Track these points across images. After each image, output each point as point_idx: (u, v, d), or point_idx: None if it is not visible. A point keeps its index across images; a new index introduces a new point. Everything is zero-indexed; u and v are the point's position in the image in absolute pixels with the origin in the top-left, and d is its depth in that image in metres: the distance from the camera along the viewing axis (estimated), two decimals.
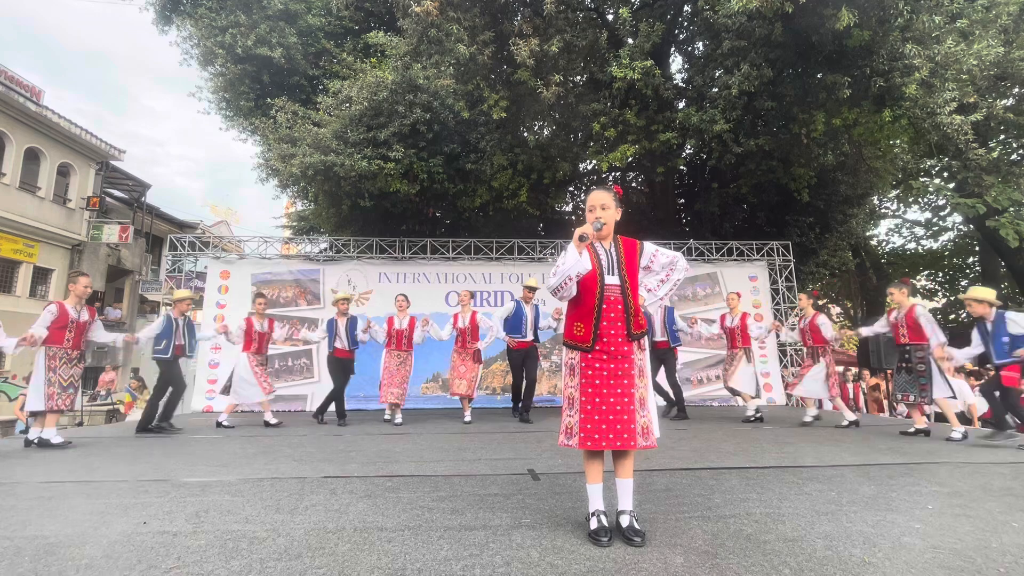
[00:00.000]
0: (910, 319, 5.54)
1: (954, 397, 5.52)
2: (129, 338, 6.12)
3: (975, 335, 5.16)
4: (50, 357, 5.09)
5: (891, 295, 5.76)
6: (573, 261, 2.20)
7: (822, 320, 6.44)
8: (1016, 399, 4.98)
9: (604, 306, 2.27)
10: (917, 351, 5.53)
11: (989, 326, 5.02)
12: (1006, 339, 4.89)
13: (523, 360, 6.85)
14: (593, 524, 2.19)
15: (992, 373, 5.46)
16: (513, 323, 6.85)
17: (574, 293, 2.29)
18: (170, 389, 6.16)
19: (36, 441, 4.96)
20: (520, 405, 6.92)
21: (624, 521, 2.19)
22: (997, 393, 5.08)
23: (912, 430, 5.44)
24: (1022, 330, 4.81)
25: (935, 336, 5.40)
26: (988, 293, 5.12)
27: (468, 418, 6.71)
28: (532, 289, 7.01)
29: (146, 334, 6.12)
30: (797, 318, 6.71)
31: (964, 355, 5.30)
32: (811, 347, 6.50)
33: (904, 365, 5.66)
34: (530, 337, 6.87)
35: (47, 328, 5.04)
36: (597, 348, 2.26)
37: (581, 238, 2.20)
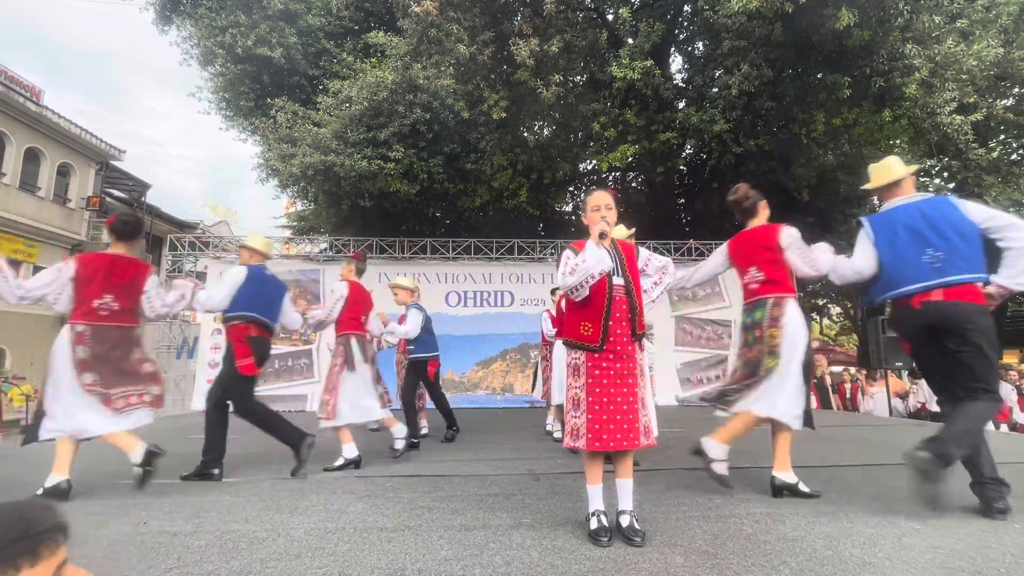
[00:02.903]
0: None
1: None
2: None
3: None
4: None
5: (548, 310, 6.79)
6: (596, 259, 2.19)
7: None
8: None
9: (612, 306, 2.28)
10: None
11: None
12: None
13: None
14: (593, 524, 2.19)
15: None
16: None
17: (587, 294, 2.27)
18: None
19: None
20: None
21: (624, 521, 2.19)
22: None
23: None
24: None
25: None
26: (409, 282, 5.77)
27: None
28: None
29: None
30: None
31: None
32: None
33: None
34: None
35: None
36: (605, 348, 2.25)
37: (601, 235, 2.21)
